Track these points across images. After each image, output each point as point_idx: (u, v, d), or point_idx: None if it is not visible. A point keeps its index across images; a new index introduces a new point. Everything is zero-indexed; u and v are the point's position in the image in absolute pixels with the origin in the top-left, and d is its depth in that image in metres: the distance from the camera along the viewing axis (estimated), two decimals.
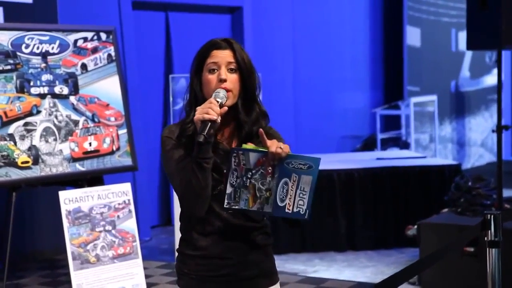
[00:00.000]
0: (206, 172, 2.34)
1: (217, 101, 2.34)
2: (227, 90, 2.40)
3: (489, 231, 2.97)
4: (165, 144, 2.46)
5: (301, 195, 2.29)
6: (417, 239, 5.94)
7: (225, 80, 2.40)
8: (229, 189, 2.33)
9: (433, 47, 11.02)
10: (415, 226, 6.01)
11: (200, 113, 2.31)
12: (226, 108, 2.37)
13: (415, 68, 10.72)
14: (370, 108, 10.48)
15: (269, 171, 2.30)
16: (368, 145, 10.17)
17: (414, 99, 10.27)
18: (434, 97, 10.59)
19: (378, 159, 7.86)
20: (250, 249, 2.47)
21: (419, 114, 10.52)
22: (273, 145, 2.27)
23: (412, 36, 10.76)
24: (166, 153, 2.45)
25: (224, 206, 2.34)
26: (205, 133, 2.28)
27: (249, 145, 2.34)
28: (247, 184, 2.32)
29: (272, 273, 2.57)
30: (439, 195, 6.84)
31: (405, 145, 10.14)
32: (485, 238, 3.00)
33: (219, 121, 2.32)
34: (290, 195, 2.30)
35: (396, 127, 10.52)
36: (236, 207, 2.34)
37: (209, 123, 2.29)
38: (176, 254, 2.57)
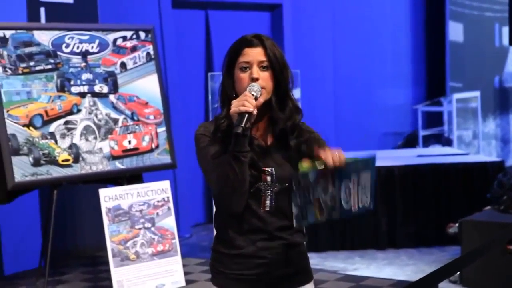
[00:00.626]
0: (244, 165, 2.33)
1: (252, 94, 2.34)
2: (261, 87, 2.39)
3: None
4: (199, 141, 2.46)
5: (363, 191, 2.30)
6: (458, 237, 5.87)
7: (257, 79, 2.39)
8: (295, 210, 2.28)
9: (476, 42, 10.86)
10: (457, 224, 5.94)
11: (236, 105, 2.30)
12: (261, 100, 2.37)
13: (457, 64, 10.58)
14: (411, 105, 10.37)
15: (329, 180, 2.28)
16: (410, 142, 10.08)
17: (456, 95, 10.14)
18: (477, 93, 10.43)
19: (419, 156, 7.79)
20: (286, 247, 2.46)
21: (462, 110, 10.38)
22: (329, 157, 2.24)
23: (455, 31, 10.62)
24: (201, 150, 2.45)
25: (294, 226, 2.33)
26: (242, 125, 2.28)
27: (304, 164, 2.30)
28: (311, 200, 2.28)
29: (307, 271, 2.55)
30: (482, 192, 6.75)
31: (448, 142, 10.03)
32: None
33: (255, 113, 2.32)
34: (353, 195, 2.30)
35: (438, 124, 10.40)
36: (305, 224, 2.32)
37: (246, 115, 2.29)
38: (211, 253, 2.57)
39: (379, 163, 7.03)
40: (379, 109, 10.01)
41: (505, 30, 11.01)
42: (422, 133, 9.97)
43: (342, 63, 9.49)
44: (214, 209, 2.55)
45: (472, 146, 10.64)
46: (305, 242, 2.56)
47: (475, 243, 5.62)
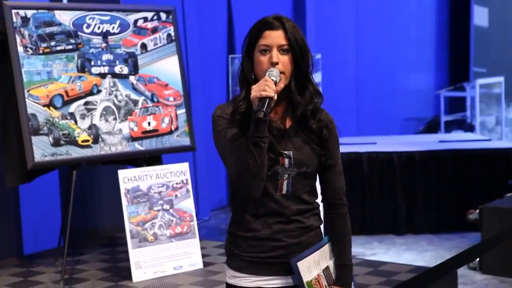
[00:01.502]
0: (263, 151, 2.32)
1: (272, 79, 2.32)
2: (280, 72, 2.37)
3: None
4: (217, 123, 2.44)
5: None
6: (479, 223, 5.83)
7: (276, 63, 2.37)
8: None
9: (501, 27, 10.74)
10: (477, 210, 5.90)
11: (257, 90, 2.29)
12: (282, 85, 2.35)
13: (482, 49, 10.48)
14: (434, 90, 10.30)
15: None
16: (432, 127, 10.02)
17: (480, 81, 10.05)
18: (501, 79, 10.33)
19: (440, 141, 7.73)
20: (302, 231, 2.46)
21: (485, 96, 10.29)
22: None
23: (480, 16, 10.52)
24: (219, 133, 2.43)
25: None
26: (264, 109, 2.27)
27: None
28: None
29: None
30: (503, 179, 6.70)
31: (470, 128, 9.95)
32: None
33: (275, 98, 2.31)
34: None
35: (461, 109, 10.32)
36: None
37: (267, 100, 2.28)
38: (226, 235, 2.56)
39: (400, 148, 7.03)
40: (401, 94, 9.95)
41: None
42: (444, 118, 9.90)
43: (365, 47, 9.42)
44: (231, 192, 2.53)
45: (495, 132, 10.55)
46: (321, 226, 2.54)
47: (495, 230, 5.58)
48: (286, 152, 2.41)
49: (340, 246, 2.51)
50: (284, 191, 2.42)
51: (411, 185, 6.93)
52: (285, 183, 2.42)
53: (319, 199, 2.54)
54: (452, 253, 6.22)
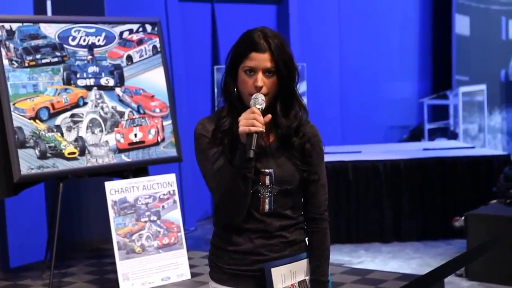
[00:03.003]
0: (249, 181, 2.31)
1: (258, 108, 2.29)
2: (264, 95, 2.34)
3: None
4: (199, 141, 2.42)
5: None
6: (464, 230, 5.87)
7: (261, 88, 2.33)
8: None
9: (482, 36, 10.83)
10: (463, 218, 5.94)
11: (245, 124, 2.25)
12: (269, 116, 2.31)
13: (464, 57, 10.56)
14: (417, 98, 10.36)
15: None
16: (416, 135, 10.07)
17: (462, 89, 10.11)
18: (483, 87, 10.41)
19: (425, 149, 7.78)
20: (285, 245, 2.45)
21: (467, 103, 10.36)
22: None
23: (461, 24, 10.59)
24: (200, 153, 2.41)
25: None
26: (253, 148, 2.24)
27: None
28: None
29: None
30: (488, 186, 6.75)
31: (453, 136, 10.01)
32: None
33: (264, 130, 2.28)
34: None
35: (444, 117, 10.38)
36: None
37: (255, 136, 2.25)
38: (210, 246, 2.56)
39: (384, 156, 7.07)
40: (385, 102, 10.00)
41: None
42: (427, 126, 9.95)
43: (349, 56, 9.47)
44: (214, 204, 2.53)
45: (478, 139, 10.62)
46: (306, 239, 2.52)
47: (481, 237, 5.62)
48: (266, 170, 2.38)
49: (317, 261, 2.47)
50: (266, 209, 2.40)
51: (396, 193, 6.97)
52: (267, 201, 2.40)
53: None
54: (438, 260, 6.26)
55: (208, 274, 2.55)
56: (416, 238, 6.97)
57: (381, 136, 9.84)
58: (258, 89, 2.33)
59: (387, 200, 6.95)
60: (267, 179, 2.38)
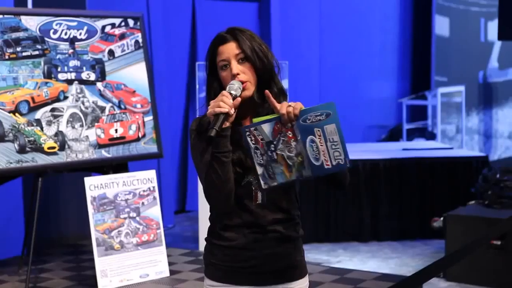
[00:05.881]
0: (226, 166, 2.30)
1: (231, 94, 2.30)
2: (243, 82, 2.36)
3: None
4: (191, 137, 2.46)
5: (333, 146, 2.19)
6: (443, 231, 5.89)
7: (238, 74, 2.36)
8: (259, 170, 2.25)
9: (461, 37, 10.90)
10: (441, 218, 5.96)
11: (212, 106, 2.28)
12: (239, 99, 2.31)
13: (443, 58, 10.62)
14: (396, 98, 10.39)
15: (290, 135, 2.21)
16: (394, 135, 10.11)
17: (441, 90, 10.17)
18: (461, 88, 10.47)
19: (404, 149, 7.80)
20: (279, 241, 2.44)
21: (446, 104, 10.42)
22: (283, 107, 2.21)
23: (441, 25, 10.65)
24: (192, 147, 2.44)
25: (262, 187, 2.26)
26: (216, 127, 2.23)
27: (259, 118, 2.26)
28: (275, 157, 2.23)
29: (300, 266, 2.52)
30: (466, 187, 6.78)
31: (431, 136, 10.06)
32: None
33: (232, 113, 2.28)
34: (323, 151, 2.20)
35: (422, 118, 10.43)
36: (275, 183, 2.24)
37: (222, 116, 2.25)
38: (204, 243, 2.55)
39: (364, 155, 7.08)
40: (364, 102, 10.02)
41: (491, 25, 11.07)
42: (406, 126, 9.99)
43: (329, 55, 9.48)
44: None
45: (455, 140, 10.69)
46: (301, 237, 2.52)
47: (459, 237, 5.65)
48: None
49: None
50: (259, 201, 2.40)
51: (375, 192, 6.98)
52: (259, 192, 2.40)
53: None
54: (416, 260, 6.29)
55: (204, 273, 2.54)
56: (394, 238, 6.99)
57: (360, 136, 9.86)
58: (236, 76, 2.36)
59: (366, 200, 6.96)
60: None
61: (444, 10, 10.63)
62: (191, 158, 2.47)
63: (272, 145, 2.22)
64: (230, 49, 2.38)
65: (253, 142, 2.23)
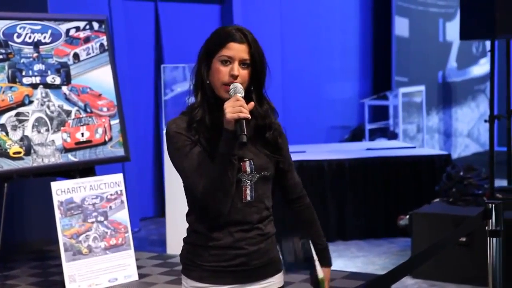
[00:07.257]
0: (235, 168, 2.34)
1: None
2: None
3: (490, 221, 2.98)
4: (174, 140, 2.41)
5: None
6: (409, 229, 5.96)
7: (237, 77, 2.38)
8: None
9: (421, 38, 11.04)
10: (407, 216, 6.03)
11: (233, 111, 2.28)
12: (252, 104, 2.36)
13: (403, 59, 10.73)
14: (358, 99, 10.48)
15: None
16: (356, 135, 10.19)
17: (402, 90, 10.29)
18: (422, 88, 10.61)
19: (368, 149, 7.87)
20: (262, 238, 2.48)
21: (407, 104, 10.54)
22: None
23: (401, 26, 10.77)
24: (178, 151, 2.40)
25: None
26: (245, 133, 2.27)
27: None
28: None
29: (278, 261, 2.58)
30: (430, 185, 6.86)
31: (393, 136, 10.17)
32: (486, 228, 3.01)
33: (250, 117, 2.32)
34: None
35: (384, 118, 10.53)
36: None
37: (243, 121, 2.28)
38: (183, 245, 2.54)
39: (329, 156, 7.13)
40: (326, 103, 10.09)
41: (449, 25, 11.22)
42: (368, 126, 10.09)
43: (290, 57, 9.52)
44: (189, 203, 2.50)
45: (416, 139, 10.81)
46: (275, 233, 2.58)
47: (425, 235, 5.72)
48: (246, 158, 2.43)
49: (317, 231, 2.65)
50: (248, 198, 2.43)
51: (341, 192, 7.03)
52: (248, 189, 2.43)
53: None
54: (382, 259, 6.35)
55: (182, 273, 2.53)
56: (361, 237, 7.05)
57: (323, 136, 9.92)
58: (234, 78, 2.38)
59: (331, 199, 7.00)
60: (247, 167, 2.43)
61: (403, 11, 10.75)
62: (171, 161, 2.44)
63: None
64: (240, 51, 2.39)
65: None
